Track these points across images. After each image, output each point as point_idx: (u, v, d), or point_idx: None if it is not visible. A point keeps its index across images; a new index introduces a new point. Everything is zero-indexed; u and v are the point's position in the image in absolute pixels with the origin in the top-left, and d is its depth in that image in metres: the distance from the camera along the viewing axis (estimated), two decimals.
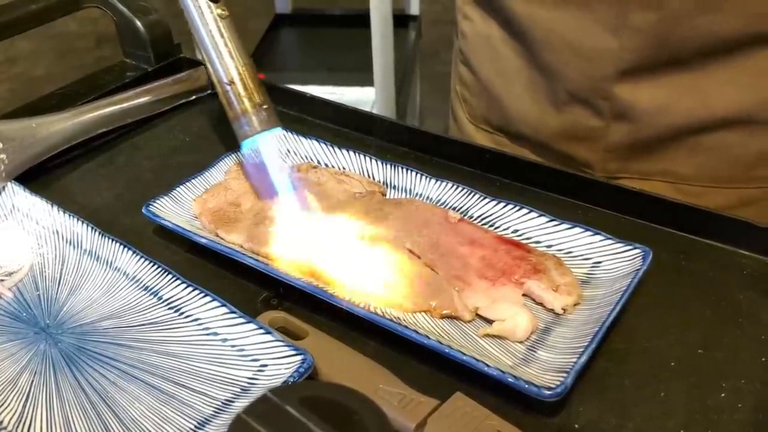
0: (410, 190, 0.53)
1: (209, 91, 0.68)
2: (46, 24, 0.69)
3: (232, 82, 0.51)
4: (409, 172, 0.54)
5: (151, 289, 0.45)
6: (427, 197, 0.52)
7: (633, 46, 0.55)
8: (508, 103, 0.66)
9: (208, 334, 0.43)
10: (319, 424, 0.25)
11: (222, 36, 0.51)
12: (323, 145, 0.57)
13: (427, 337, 0.40)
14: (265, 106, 0.51)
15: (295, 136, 0.58)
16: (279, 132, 0.52)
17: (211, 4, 0.51)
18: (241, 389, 0.40)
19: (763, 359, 0.40)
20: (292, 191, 0.50)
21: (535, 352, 0.41)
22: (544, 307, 0.44)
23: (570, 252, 0.47)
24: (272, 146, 0.51)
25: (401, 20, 1.76)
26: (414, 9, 1.86)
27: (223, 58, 0.51)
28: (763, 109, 0.57)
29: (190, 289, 0.44)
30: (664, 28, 0.54)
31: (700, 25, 0.53)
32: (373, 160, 0.55)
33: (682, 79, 0.56)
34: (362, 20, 1.44)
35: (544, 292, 0.44)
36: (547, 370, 0.39)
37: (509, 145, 0.68)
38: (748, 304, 0.44)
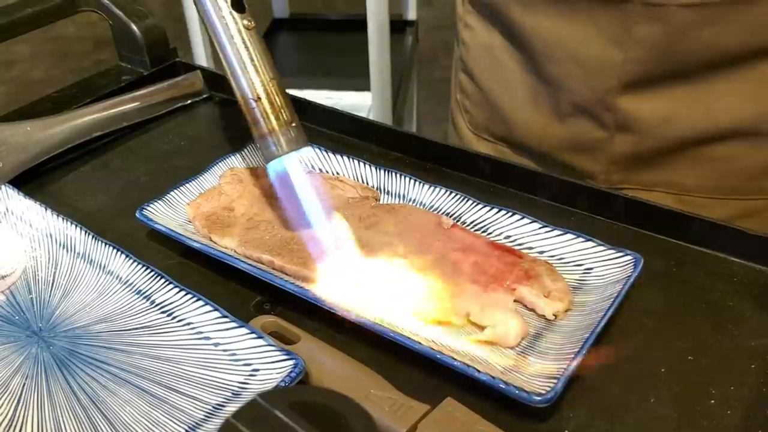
0: (404, 195, 0.53)
1: (204, 96, 0.69)
2: (45, 27, 0.69)
3: (258, 99, 0.47)
4: (402, 177, 0.54)
5: (143, 293, 0.45)
6: (421, 203, 0.53)
7: (637, 58, 0.55)
8: (510, 113, 0.66)
9: (200, 339, 0.43)
10: (307, 429, 0.25)
11: (247, 49, 0.47)
12: (317, 150, 0.57)
13: (419, 342, 0.40)
14: (293, 124, 0.48)
15: None
16: (308, 151, 0.49)
17: (236, 14, 0.47)
18: (233, 394, 0.40)
19: (753, 366, 0.41)
20: (323, 214, 0.47)
21: (526, 357, 0.41)
22: (536, 313, 0.44)
23: (562, 258, 0.47)
24: (300, 167, 0.48)
25: (398, 25, 1.76)
26: (411, 14, 1.86)
27: (248, 72, 0.47)
28: (767, 120, 0.57)
29: (183, 293, 0.44)
30: (669, 41, 0.54)
31: (704, 38, 0.53)
32: (367, 166, 0.55)
33: (686, 90, 0.56)
34: (359, 25, 1.44)
35: (535, 298, 0.44)
36: (537, 375, 0.39)
37: (511, 155, 0.68)
38: (737, 311, 0.44)
